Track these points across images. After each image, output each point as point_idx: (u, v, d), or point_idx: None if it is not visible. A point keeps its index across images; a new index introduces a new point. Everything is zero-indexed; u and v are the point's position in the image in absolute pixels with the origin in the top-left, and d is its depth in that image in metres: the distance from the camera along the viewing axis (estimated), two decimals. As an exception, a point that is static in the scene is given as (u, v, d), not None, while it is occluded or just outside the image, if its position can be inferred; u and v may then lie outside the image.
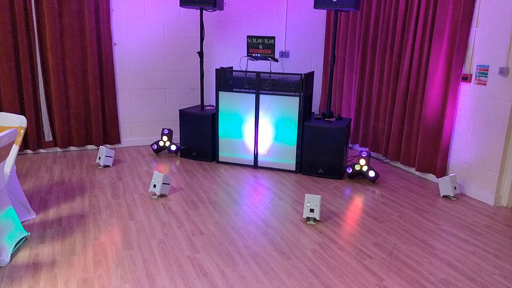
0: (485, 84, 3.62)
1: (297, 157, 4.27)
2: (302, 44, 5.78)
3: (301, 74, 4.08)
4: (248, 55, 4.22)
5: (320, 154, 4.16)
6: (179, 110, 4.69)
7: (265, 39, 4.10)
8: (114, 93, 4.92)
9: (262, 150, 4.40)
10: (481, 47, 3.63)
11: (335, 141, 4.11)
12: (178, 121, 4.77)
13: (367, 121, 5.10)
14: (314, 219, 3.14)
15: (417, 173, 4.39)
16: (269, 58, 4.16)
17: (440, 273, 2.54)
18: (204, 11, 4.45)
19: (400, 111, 4.50)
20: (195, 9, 4.49)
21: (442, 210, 3.52)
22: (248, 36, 4.16)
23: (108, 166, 4.30)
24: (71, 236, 2.83)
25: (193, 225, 3.07)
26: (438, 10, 3.94)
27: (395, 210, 3.47)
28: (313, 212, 3.10)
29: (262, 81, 4.21)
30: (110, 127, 4.98)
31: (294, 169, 4.31)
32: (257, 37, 4.12)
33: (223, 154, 4.54)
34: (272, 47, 4.10)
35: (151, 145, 4.79)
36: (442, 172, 4.06)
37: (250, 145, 4.42)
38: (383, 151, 4.86)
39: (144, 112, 5.18)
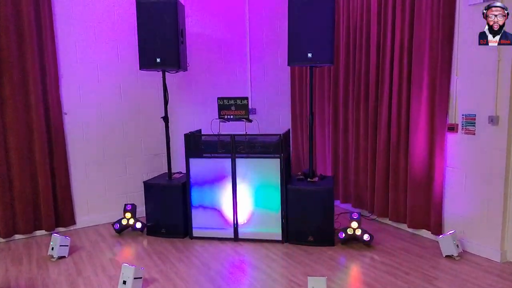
0: (474, 134, 3.46)
1: (282, 225, 3.84)
2: (268, 100, 5.54)
3: (279, 134, 3.76)
4: (220, 117, 3.85)
5: (308, 219, 3.77)
6: (144, 182, 4.18)
7: (238, 100, 3.78)
8: (66, 168, 4.32)
9: (242, 219, 3.93)
10: (465, 95, 3.51)
11: (323, 204, 3.74)
12: (142, 193, 4.24)
13: (346, 176, 4.82)
14: (321, 306, 2.69)
15: (409, 229, 4.09)
16: (243, 120, 3.82)
17: None
18: (166, 73, 4.08)
19: (383, 164, 4.25)
20: (157, 71, 4.12)
21: (451, 274, 3.19)
22: (218, 98, 3.81)
23: (64, 257, 3.62)
24: None
25: (178, 331, 2.50)
26: (414, 59, 3.83)
27: (402, 281, 3.09)
28: (319, 298, 2.65)
29: (237, 143, 3.84)
30: (63, 206, 4.32)
31: (280, 238, 3.86)
32: (229, 99, 3.78)
33: (197, 229, 4.02)
34: (245, 107, 3.77)
35: (113, 224, 4.18)
36: (437, 228, 3.78)
37: (229, 215, 3.95)
38: (368, 206, 4.55)
39: (102, 186, 4.58)
